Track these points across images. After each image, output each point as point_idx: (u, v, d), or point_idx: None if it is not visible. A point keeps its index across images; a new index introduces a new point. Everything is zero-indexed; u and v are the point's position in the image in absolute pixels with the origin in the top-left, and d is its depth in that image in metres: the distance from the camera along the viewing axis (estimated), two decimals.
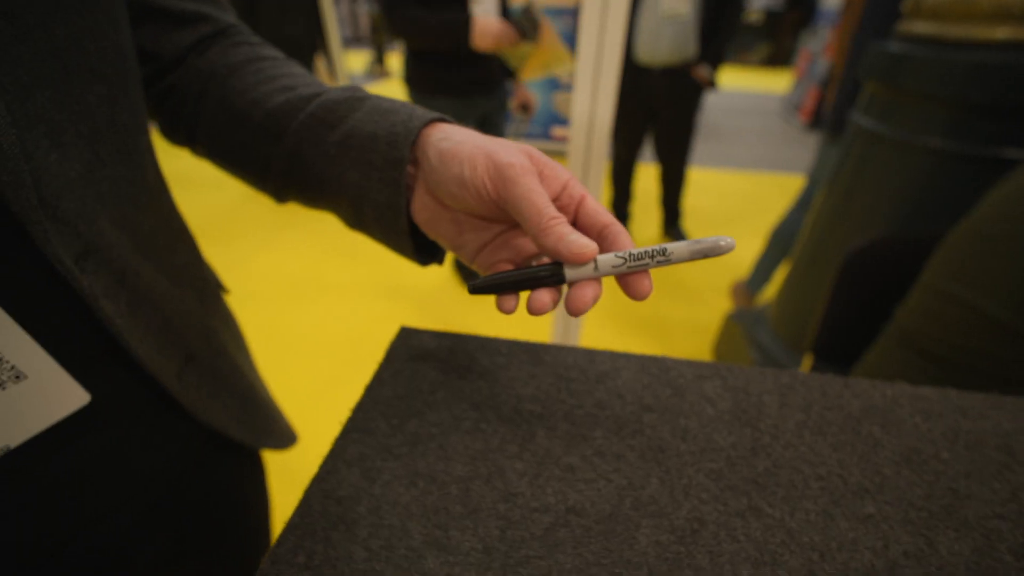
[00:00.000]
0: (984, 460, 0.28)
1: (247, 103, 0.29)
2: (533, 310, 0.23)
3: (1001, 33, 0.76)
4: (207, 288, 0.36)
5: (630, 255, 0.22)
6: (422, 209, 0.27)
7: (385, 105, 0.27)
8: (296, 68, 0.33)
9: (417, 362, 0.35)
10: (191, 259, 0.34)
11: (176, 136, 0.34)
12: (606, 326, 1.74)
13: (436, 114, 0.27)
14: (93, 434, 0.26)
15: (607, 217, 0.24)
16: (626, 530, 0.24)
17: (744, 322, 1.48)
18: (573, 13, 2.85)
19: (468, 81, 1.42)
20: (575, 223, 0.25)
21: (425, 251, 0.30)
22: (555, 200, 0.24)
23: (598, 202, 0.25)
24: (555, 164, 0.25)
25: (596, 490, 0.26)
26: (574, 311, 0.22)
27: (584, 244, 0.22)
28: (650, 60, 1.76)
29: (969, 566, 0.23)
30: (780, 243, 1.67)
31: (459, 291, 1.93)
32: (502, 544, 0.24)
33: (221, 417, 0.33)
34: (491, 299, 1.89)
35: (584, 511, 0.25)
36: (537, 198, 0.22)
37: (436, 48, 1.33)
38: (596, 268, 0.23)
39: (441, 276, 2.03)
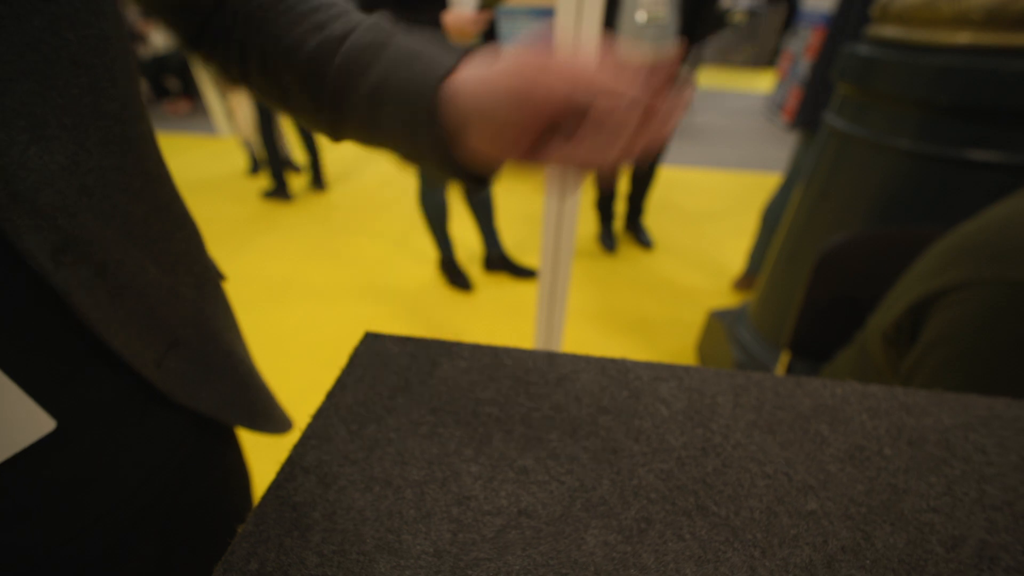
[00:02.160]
0: (923, 456, 0.29)
1: (284, 50, 0.30)
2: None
3: (962, 38, 0.78)
4: (205, 276, 0.35)
5: None
6: (481, 151, 0.27)
7: (406, 51, 0.27)
8: None
9: (379, 367, 0.35)
10: (190, 247, 0.33)
11: (234, 80, 0.34)
12: (590, 327, 1.75)
13: (454, 56, 0.27)
14: (77, 441, 0.26)
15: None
16: (575, 531, 0.25)
17: (726, 320, 1.50)
18: (551, 13, 2.86)
19: None
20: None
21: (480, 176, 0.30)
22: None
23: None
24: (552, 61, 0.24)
25: (548, 492, 0.27)
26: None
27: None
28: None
29: (902, 559, 0.24)
30: (768, 222, 1.79)
31: (445, 292, 1.93)
32: (453, 547, 0.24)
33: (211, 402, 0.33)
34: (475, 301, 1.89)
35: (535, 513, 0.26)
36: (584, 75, 0.23)
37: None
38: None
39: (427, 277, 2.02)
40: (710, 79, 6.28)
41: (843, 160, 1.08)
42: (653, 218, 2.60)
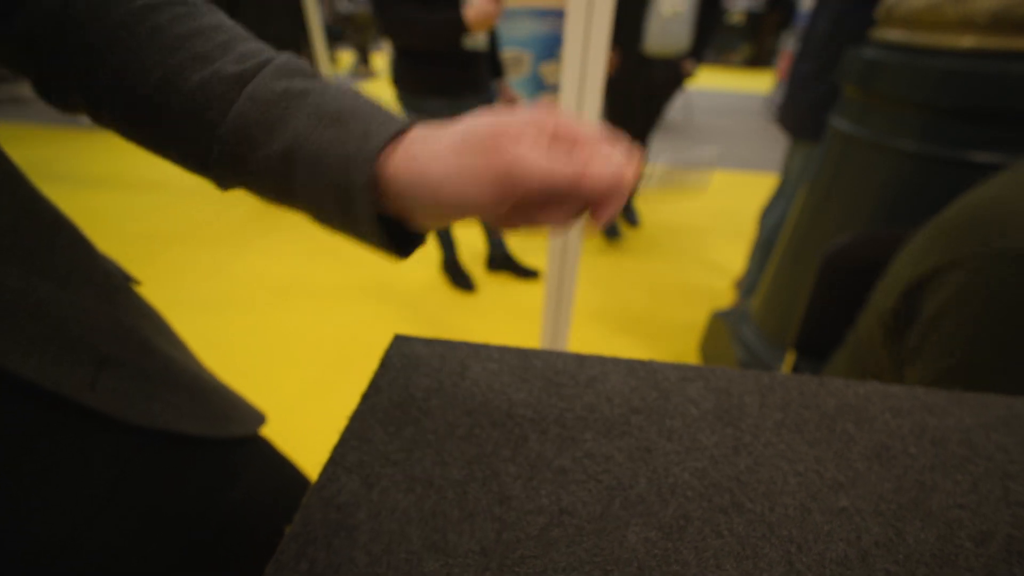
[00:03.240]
0: (947, 454, 0.30)
1: (155, 85, 0.23)
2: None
3: (967, 41, 0.80)
4: (109, 283, 0.31)
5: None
6: (416, 218, 0.25)
7: (330, 107, 0.23)
8: (203, 17, 0.25)
9: (411, 370, 0.36)
10: (78, 253, 0.29)
11: (65, 105, 0.27)
12: (594, 326, 1.76)
13: (391, 127, 0.23)
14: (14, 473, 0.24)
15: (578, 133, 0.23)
16: (616, 528, 0.26)
17: (729, 320, 1.51)
18: (559, 15, 2.86)
19: (458, 81, 1.43)
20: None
21: (409, 242, 0.28)
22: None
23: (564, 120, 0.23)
24: (532, 115, 0.23)
25: (587, 491, 0.28)
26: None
27: (618, 168, 0.22)
28: (659, 51, 1.84)
29: (934, 553, 0.25)
30: (765, 233, 1.76)
31: (448, 292, 1.94)
32: (499, 545, 0.25)
33: (163, 416, 0.31)
34: (478, 302, 1.89)
35: (576, 511, 0.27)
36: (554, 169, 0.21)
37: (429, 47, 1.34)
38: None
39: (429, 278, 2.03)
40: (709, 79, 6.31)
41: (847, 161, 1.09)
42: (653, 218, 2.61)
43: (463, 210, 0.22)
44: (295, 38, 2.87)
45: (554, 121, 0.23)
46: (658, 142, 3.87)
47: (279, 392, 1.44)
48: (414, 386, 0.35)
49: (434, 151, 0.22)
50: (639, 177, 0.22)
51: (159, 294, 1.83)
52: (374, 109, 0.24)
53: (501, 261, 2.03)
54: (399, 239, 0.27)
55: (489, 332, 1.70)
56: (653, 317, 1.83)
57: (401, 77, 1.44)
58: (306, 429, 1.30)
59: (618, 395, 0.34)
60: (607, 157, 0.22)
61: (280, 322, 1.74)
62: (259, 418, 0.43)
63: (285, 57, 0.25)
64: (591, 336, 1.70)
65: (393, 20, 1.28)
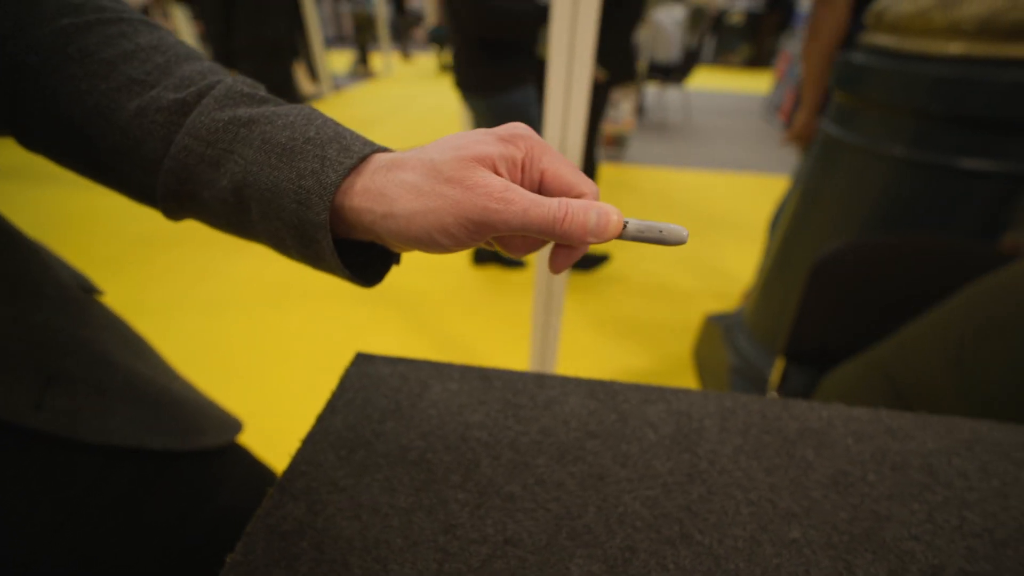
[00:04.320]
0: (907, 481, 0.29)
1: (87, 112, 0.22)
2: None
3: (955, 48, 0.79)
4: (64, 294, 0.30)
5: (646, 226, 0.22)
6: (386, 245, 0.24)
7: (280, 137, 0.21)
8: (139, 36, 0.23)
9: (370, 389, 0.35)
10: (27, 268, 0.28)
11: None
12: (587, 330, 1.75)
13: (349, 156, 0.21)
14: None
15: (571, 181, 0.22)
16: (560, 561, 0.25)
17: (722, 324, 1.50)
18: None
19: (529, 72, 1.50)
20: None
21: (381, 262, 0.27)
22: (522, 181, 0.22)
23: (560, 162, 0.22)
24: (504, 143, 0.21)
25: (534, 520, 0.27)
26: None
27: (609, 221, 0.20)
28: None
29: None
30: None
31: (444, 295, 1.93)
32: None
33: (121, 432, 0.30)
34: (476, 302, 1.89)
35: (521, 542, 0.26)
36: (531, 214, 0.19)
37: (521, 36, 1.39)
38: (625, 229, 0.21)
39: (426, 280, 2.03)
40: (708, 80, 6.29)
41: (836, 165, 1.08)
42: (650, 219, 2.60)
43: (432, 247, 0.21)
44: (292, 42, 2.87)
45: (525, 146, 0.22)
46: (658, 143, 3.86)
47: (274, 394, 1.44)
48: (371, 407, 0.34)
49: (398, 186, 0.21)
50: (611, 226, 0.20)
51: (157, 295, 1.83)
52: (329, 135, 0.22)
53: (487, 254, 2.04)
54: (369, 259, 0.26)
55: (484, 335, 1.70)
56: (647, 321, 1.82)
57: (484, 78, 1.47)
58: (303, 432, 1.30)
59: (575, 418, 0.33)
60: (583, 205, 0.20)
61: (276, 324, 1.74)
62: (235, 426, 0.42)
63: (231, 80, 0.23)
64: (584, 341, 1.70)
65: (497, 11, 1.31)
